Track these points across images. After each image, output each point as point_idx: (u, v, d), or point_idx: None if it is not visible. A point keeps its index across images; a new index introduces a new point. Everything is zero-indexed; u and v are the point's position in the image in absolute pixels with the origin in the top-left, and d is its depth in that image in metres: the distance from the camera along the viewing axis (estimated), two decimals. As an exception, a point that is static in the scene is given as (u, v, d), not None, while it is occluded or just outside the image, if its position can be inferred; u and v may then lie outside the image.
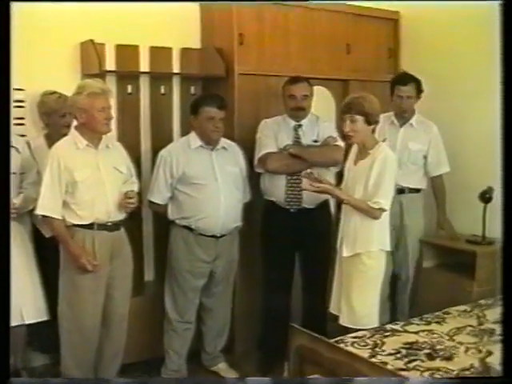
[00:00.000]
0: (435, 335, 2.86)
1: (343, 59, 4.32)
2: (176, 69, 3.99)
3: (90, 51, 3.56)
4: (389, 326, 3.00)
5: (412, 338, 2.82)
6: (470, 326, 2.99)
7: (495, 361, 2.40)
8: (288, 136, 3.69)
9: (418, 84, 3.89)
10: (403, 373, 2.43)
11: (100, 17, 3.62)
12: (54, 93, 3.47)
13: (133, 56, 3.81)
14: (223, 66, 3.87)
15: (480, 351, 2.66)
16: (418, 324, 3.02)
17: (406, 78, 3.92)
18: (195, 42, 4.07)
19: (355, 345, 2.72)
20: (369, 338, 2.81)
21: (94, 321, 3.19)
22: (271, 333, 3.75)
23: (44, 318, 3.27)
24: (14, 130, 3.20)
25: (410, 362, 2.56)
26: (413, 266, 4.01)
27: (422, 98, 3.95)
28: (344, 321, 3.16)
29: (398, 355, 2.62)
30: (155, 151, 3.72)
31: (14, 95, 3.19)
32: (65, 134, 3.22)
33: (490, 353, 2.62)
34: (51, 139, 3.37)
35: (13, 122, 3.13)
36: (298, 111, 3.67)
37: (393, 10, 4.47)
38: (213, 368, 3.80)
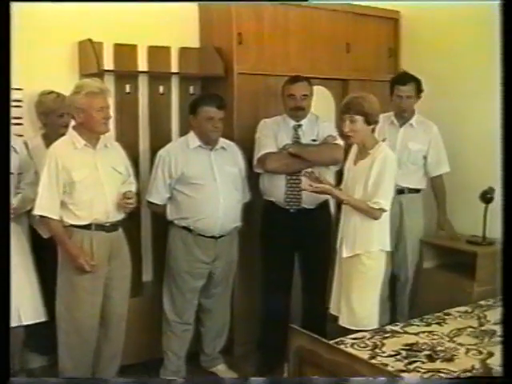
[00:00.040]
0: (435, 336, 2.86)
1: (343, 59, 4.32)
2: (175, 68, 3.98)
3: (88, 50, 3.55)
4: (389, 327, 3.00)
5: (412, 339, 2.82)
6: (471, 327, 2.99)
7: (496, 362, 2.40)
8: (288, 136, 3.69)
9: (417, 84, 3.89)
10: (403, 374, 2.43)
11: (98, 16, 3.61)
12: (52, 92, 3.47)
13: (131, 55, 3.80)
14: (222, 65, 3.87)
15: (481, 352, 2.66)
16: (418, 325, 3.01)
17: (405, 78, 3.92)
18: (194, 42, 4.06)
19: (355, 346, 2.72)
20: (369, 339, 2.80)
21: (92, 322, 3.19)
22: (270, 334, 3.75)
23: (42, 319, 3.27)
24: (12, 129, 3.19)
25: (410, 363, 2.55)
26: (412, 266, 4.01)
27: (422, 98, 3.95)
28: (344, 322, 3.15)
29: (398, 357, 2.62)
30: (154, 151, 3.72)
31: (12, 95, 3.18)
32: (63, 134, 3.22)
33: (490, 354, 2.62)
34: (49, 139, 3.36)
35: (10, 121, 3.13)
36: (298, 111, 3.67)
37: (393, 10, 4.47)
38: (212, 369, 3.79)
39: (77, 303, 3.13)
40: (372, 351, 2.67)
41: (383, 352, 2.66)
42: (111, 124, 3.34)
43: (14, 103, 3.29)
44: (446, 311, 3.20)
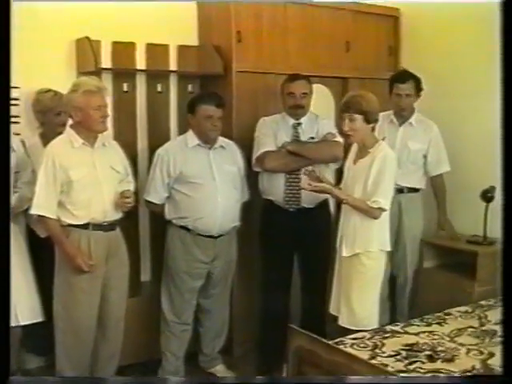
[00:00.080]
0: (436, 336, 2.86)
1: (343, 57, 4.32)
2: (173, 66, 3.98)
3: (86, 48, 3.55)
4: (389, 327, 3.00)
5: (412, 339, 2.82)
6: (472, 327, 2.99)
7: (497, 363, 2.40)
8: (287, 134, 3.68)
9: (417, 82, 3.88)
10: (403, 375, 2.43)
11: (96, 13, 3.61)
12: (49, 91, 3.47)
13: (129, 53, 3.80)
14: (221, 63, 3.87)
15: (482, 353, 2.66)
16: (418, 325, 3.01)
17: (404, 76, 3.91)
18: (192, 39, 4.06)
19: (354, 346, 2.71)
20: (368, 339, 2.80)
21: (89, 322, 3.18)
22: (270, 334, 3.75)
23: (39, 319, 3.26)
24: (9, 128, 3.19)
25: (410, 363, 2.55)
26: (411, 267, 4.00)
27: (422, 97, 3.94)
28: (343, 322, 3.15)
29: (398, 357, 2.62)
30: (152, 150, 3.71)
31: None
32: (60, 133, 3.21)
33: (491, 354, 2.62)
34: (46, 138, 3.36)
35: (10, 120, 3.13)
36: (297, 109, 3.66)
37: (393, 7, 4.47)
38: (210, 370, 3.79)
39: (74, 303, 3.13)
40: (372, 351, 2.67)
41: (383, 352, 2.66)
42: (109, 123, 3.33)
43: (11, 101, 3.29)
44: (446, 311, 3.20)
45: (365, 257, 3.11)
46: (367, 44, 4.41)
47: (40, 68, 3.46)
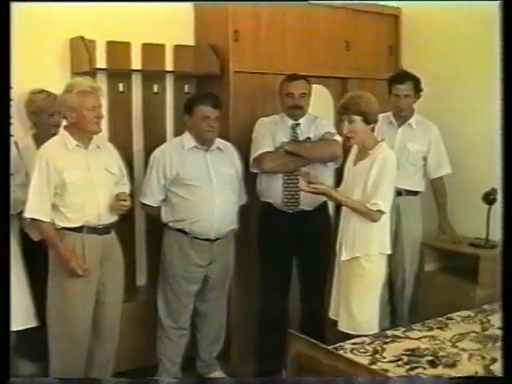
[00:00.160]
0: (437, 341, 2.85)
1: (342, 57, 4.31)
2: (169, 66, 3.97)
3: (80, 48, 3.54)
4: (389, 332, 3.00)
5: (413, 344, 2.81)
6: (474, 331, 2.99)
7: (500, 368, 2.39)
8: (285, 135, 3.68)
9: (416, 82, 3.87)
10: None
11: (90, 13, 3.60)
12: (43, 91, 3.46)
13: (124, 53, 3.79)
14: (218, 63, 3.86)
15: (484, 358, 2.66)
16: (419, 330, 3.01)
17: (403, 76, 3.91)
18: (189, 39, 4.05)
19: (354, 351, 2.71)
20: (369, 344, 2.80)
21: (84, 326, 3.17)
22: (268, 339, 3.74)
23: (32, 324, 3.25)
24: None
25: (411, 369, 2.55)
26: (411, 270, 3.98)
27: (422, 97, 3.93)
28: (343, 326, 3.15)
29: (399, 362, 2.61)
30: (148, 152, 3.71)
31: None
32: (54, 134, 3.21)
33: (494, 360, 2.62)
34: (40, 139, 3.35)
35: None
36: (296, 110, 3.66)
37: (393, 6, 4.47)
38: (208, 376, 3.78)
39: (68, 308, 3.12)
40: (372, 357, 2.66)
41: (384, 357, 2.66)
42: (104, 124, 3.33)
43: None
44: (448, 315, 3.19)
45: (364, 260, 3.10)
46: (367, 43, 4.40)
47: (33, 68, 3.45)
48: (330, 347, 2.65)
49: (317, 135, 3.69)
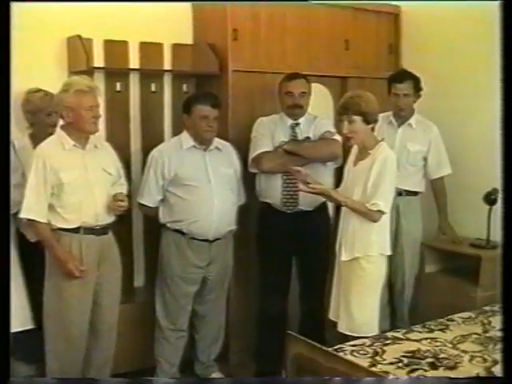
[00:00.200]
0: (438, 343, 2.85)
1: (342, 55, 4.31)
2: (167, 65, 3.97)
3: (78, 47, 3.53)
4: (389, 334, 2.99)
5: (414, 346, 2.81)
6: (475, 333, 2.98)
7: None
8: (285, 135, 3.67)
9: (416, 82, 3.86)
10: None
11: (88, 11, 3.59)
12: (40, 90, 3.45)
13: (122, 52, 3.78)
14: (216, 62, 3.86)
15: (485, 360, 2.65)
16: (420, 331, 3.00)
17: (402, 76, 3.90)
18: (187, 38, 4.05)
19: (354, 353, 2.70)
20: (368, 346, 2.79)
21: (80, 328, 3.17)
22: (267, 341, 3.73)
23: (29, 326, 3.25)
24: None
25: (412, 371, 2.54)
26: (411, 272, 3.97)
27: (422, 97, 3.93)
28: (342, 328, 3.14)
29: (400, 364, 2.61)
30: (146, 152, 3.70)
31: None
32: (51, 134, 3.20)
33: (495, 362, 2.61)
34: (36, 139, 3.34)
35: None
36: (296, 109, 3.66)
37: (394, 4, 4.47)
38: (207, 377, 3.77)
39: (65, 309, 3.11)
40: (372, 359, 2.66)
41: (384, 359, 2.65)
42: (101, 123, 3.33)
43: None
44: (449, 317, 3.19)
45: (364, 261, 3.10)
46: (367, 42, 4.40)
47: (30, 67, 3.43)
48: (329, 349, 2.64)
49: (316, 135, 3.69)
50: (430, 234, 4.09)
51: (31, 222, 3.07)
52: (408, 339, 2.90)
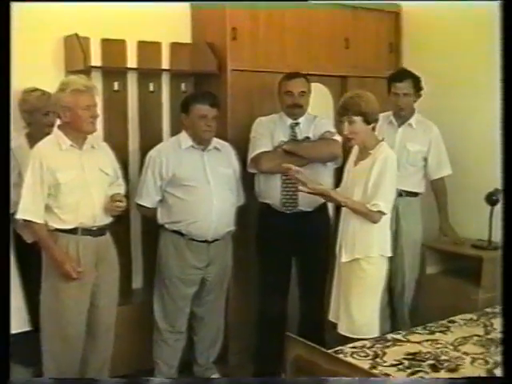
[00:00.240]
0: (439, 345, 2.85)
1: (342, 54, 4.30)
2: (165, 65, 3.96)
3: (75, 46, 3.53)
4: (390, 336, 2.99)
5: (415, 348, 2.81)
6: (477, 335, 2.98)
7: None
8: (284, 135, 3.67)
9: (416, 81, 3.85)
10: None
11: (85, 10, 3.59)
12: (36, 90, 3.44)
13: (119, 51, 3.78)
14: (215, 61, 3.85)
15: (487, 362, 2.65)
16: (421, 333, 3.00)
17: (402, 75, 3.89)
18: (185, 37, 4.05)
19: (355, 355, 2.70)
20: (369, 348, 2.79)
21: (77, 329, 3.16)
22: (267, 342, 3.73)
23: (26, 328, 3.24)
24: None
25: (413, 373, 2.54)
26: (411, 273, 3.96)
27: (422, 97, 3.92)
28: (342, 329, 3.14)
29: (401, 366, 2.61)
30: (143, 152, 3.70)
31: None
32: (48, 134, 3.20)
33: (497, 364, 2.60)
34: (33, 139, 3.33)
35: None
36: (295, 108, 3.65)
37: (394, 3, 4.46)
38: (205, 380, 3.78)
39: (62, 310, 3.10)
40: (373, 361, 2.66)
41: (384, 361, 2.65)
42: (98, 123, 3.31)
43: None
44: (450, 319, 3.19)
45: (365, 262, 3.10)
46: (367, 41, 4.40)
47: (27, 66, 3.42)
48: (329, 351, 2.64)
49: (316, 134, 3.68)
50: (431, 234, 4.09)
51: (28, 223, 3.06)
52: (409, 341, 2.90)
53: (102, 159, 3.22)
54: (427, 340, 2.91)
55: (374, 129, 3.17)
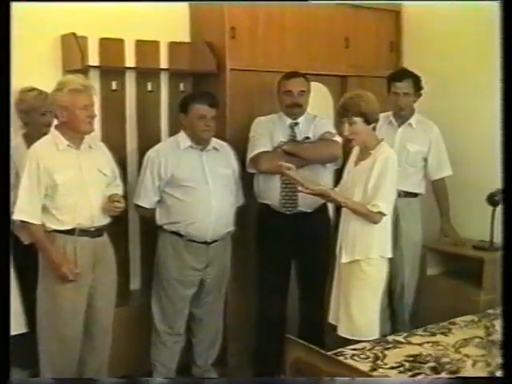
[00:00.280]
0: (440, 347, 2.84)
1: (342, 54, 4.30)
2: (164, 64, 3.96)
3: (72, 45, 3.52)
4: (390, 338, 2.99)
5: (416, 350, 2.80)
6: (478, 337, 2.98)
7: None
8: (284, 134, 3.67)
9: (416, 80, 3.85)
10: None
11: (83, 9, 3.58)
12: (33, 89, 3.44)
13: (117, 50, 3.77)
14: (214, 61, 3.85)
15: (489, 364, 2.64)
16: (421, 335, 3.00)
17: (402, 74, 3.89)
18: (184, 36, 4.04)
19: (355, 357, 2.70)
20: (369, 350, 2.79)
21: (74, 331, 3.15)
22: (266, 343, 3.73)
23: (22, 330, 3.24)
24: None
25: (413, 375, 2.54)
26: (410, 275, 3.95)
27: (422, 97, 3.92)
28: (342, 331, 3.14)
29: (401, 368, 2.60)
30: (142, 152, 3.69)
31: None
32: (45, 134, 3.19)
33: (499, 366, 2.60)
34: (30, 139, 3.32)
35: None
36: (295, 108, 3.65)
37: (394, 1, 4.46)
38: (204, 382, 3.78)
39: (59, 312, 3.09)
40: (373, 363, 2.65)
41: (385, 364, 2.65)
42: (96, 123, 3.31)
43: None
44: (451, 320, 3.18)
45: (365, 263, 3.09)
46: (367, 40, 4.39)
47: (23, 65, 3.41)
48: (329, 353, 2.64)
49: (316, 135, 3.68)
50: (432, 236, 4.08)
51: (24, 224, 3.06)
52: (409, 343, 2.89)
53: (99, 159, 3.22)
54: (428, 342, 2.90)
55: (374, 128, 3.16)
